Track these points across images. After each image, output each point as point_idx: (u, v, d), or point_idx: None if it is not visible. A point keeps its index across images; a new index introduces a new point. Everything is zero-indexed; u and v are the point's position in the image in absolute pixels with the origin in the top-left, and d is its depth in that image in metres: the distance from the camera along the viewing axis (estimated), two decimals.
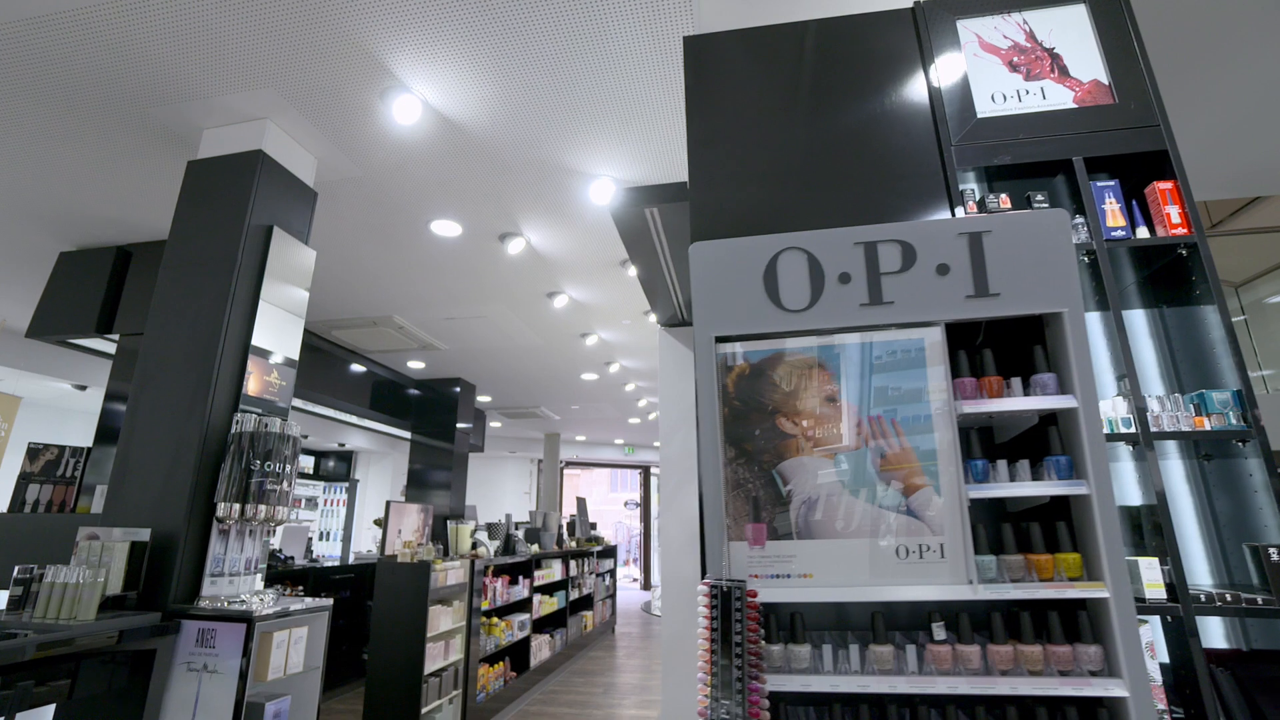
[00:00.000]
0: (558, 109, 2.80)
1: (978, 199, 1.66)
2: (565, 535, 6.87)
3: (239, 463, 2.50)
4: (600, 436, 11.41)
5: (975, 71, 1.73)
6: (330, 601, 2.65)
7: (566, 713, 4.88)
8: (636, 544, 13.88)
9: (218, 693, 2.18)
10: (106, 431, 3.71)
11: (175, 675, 2.23)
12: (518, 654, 5.21)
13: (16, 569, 2.18)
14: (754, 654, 0.98)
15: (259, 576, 2.67)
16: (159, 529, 2.39)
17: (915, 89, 1.77)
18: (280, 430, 2.61)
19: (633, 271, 4.41)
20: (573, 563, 6.65)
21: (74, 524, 3.26)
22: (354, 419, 6.63)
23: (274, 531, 3.45)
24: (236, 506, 2.47)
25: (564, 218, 3.74)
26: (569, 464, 12.41)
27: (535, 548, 5.67)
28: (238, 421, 2.56)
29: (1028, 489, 1.00)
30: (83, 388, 6.20)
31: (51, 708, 2.34)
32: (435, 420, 7.07)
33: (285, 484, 2.61)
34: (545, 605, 5.78)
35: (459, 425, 7.05)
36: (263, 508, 2.51)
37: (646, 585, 13.32)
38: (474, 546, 4.68)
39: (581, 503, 7.88)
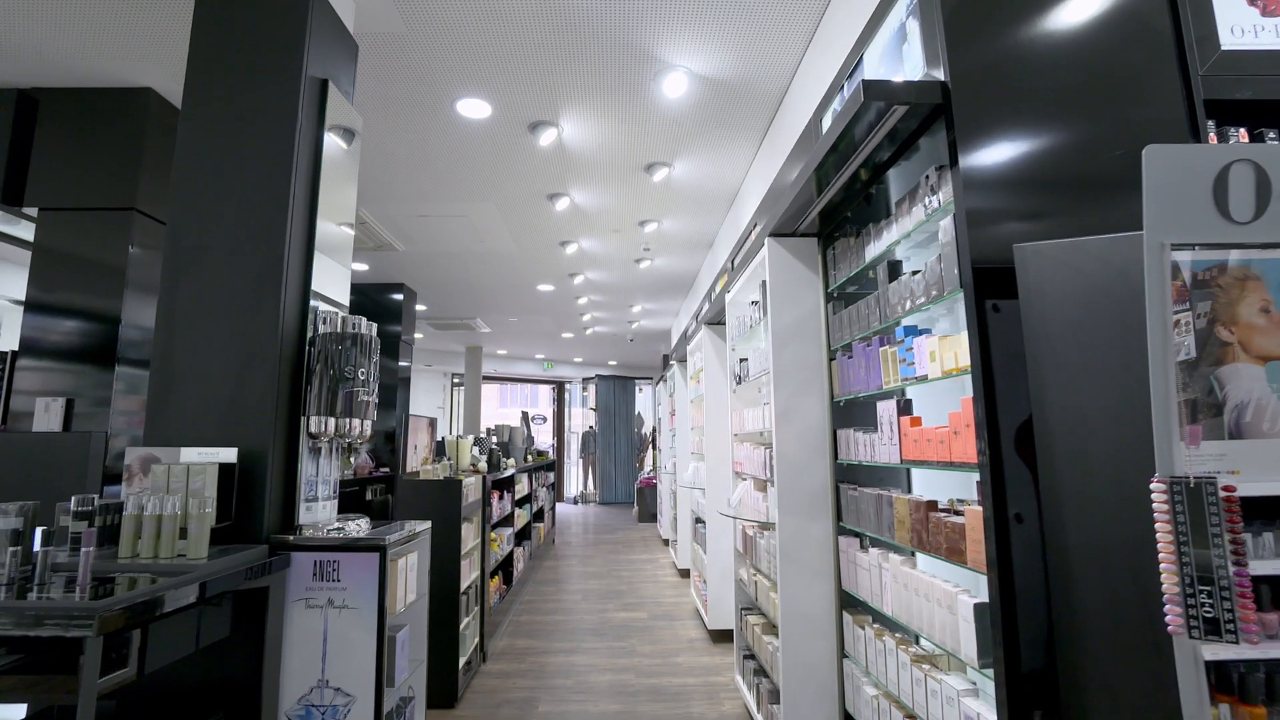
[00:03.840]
0: None
1: (1214, 131, 1.75)
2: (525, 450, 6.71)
3: (328, 370, 2.12)
4: (523, 351, 11.02)
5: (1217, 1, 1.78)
6: (429, 524, 2.41)
7: (561, 620, 4.95)
8: None
9: (350, 630, 1.92)
10: (33, 343, 2.91)
11: (292, 614, 1.93)
12: (506, 567, 5.14)
13: (74, 500, 1.71)
14: (1235, 544, 1.05)
15: (336, 501, 2.34)
16: (240, 449, 1.98)
17: (1158, 7, 1.78)
18: (365, 331, 2.23)
19: (658, 177, 4.18)
20: (534, 477, 6.56)
21: (20, 445, 2.62)
22: None
23: (359, 449, 3.01)
24: (330, 421, 2.11)
25: (614, 110, 3.39)
26: (487, 379, 11.93)
27: (512, 462, 5.50)
28: (324, 320, 2.14)
29: None
30: None
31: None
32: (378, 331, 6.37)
33: (374, 395, 2.26)
34: (519, 519, 5.70)
35: (403, 337, 6.44)
36: (356, 422, 2.17)
37: (560, 497, 13.55)
38: (472, 463, 4.44)
39: (525, 416, 7.69)
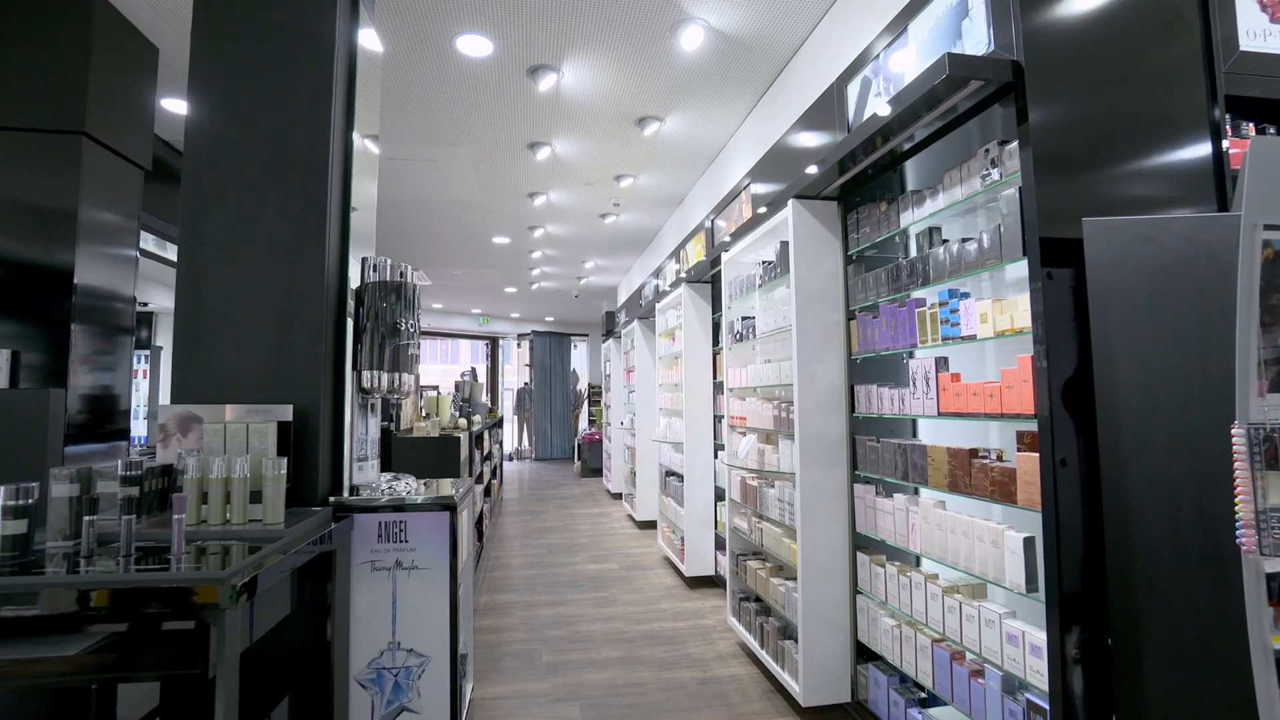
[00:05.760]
0: None
1: (1230, 124, 1.98)
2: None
3: (380, 321, 2.00)
4: (460, 305, 10.59)
5: (1238, 4, 1.98)
6: (471, 480, 2.35)
7: (536, 574, 4.99)
8: None
9: (422, 591, 1.89)
10: None
11: (358, 578, 1.86)
12: (477, 524, 5.08)
13: (120, 464, 1.54)
14: None
15: (379, 459, 2.24)
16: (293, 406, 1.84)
17: (1190, 4, 1.96)
18: (410, 280, 2.12)
19: (649, 131, 4.11)
20: (490, 434, 6.46)
21: None
22: None
23: (403, 405, 2.81)
24: (383, 376, 2.00)
25: (622, 59, 3.28)
26: (423, 334, 11.41)
27: (479, 418, 5.39)
28: (375, 267, 2.00)
29: None
30: None
31: None
32: None
33: (418, 348, 2.17)
34: (485, 474, 5.62)
35: None
36: (407, 376, 2.08)
37: None
38: (451, 420, 4.31)
39: (473, 372, 7.50)
